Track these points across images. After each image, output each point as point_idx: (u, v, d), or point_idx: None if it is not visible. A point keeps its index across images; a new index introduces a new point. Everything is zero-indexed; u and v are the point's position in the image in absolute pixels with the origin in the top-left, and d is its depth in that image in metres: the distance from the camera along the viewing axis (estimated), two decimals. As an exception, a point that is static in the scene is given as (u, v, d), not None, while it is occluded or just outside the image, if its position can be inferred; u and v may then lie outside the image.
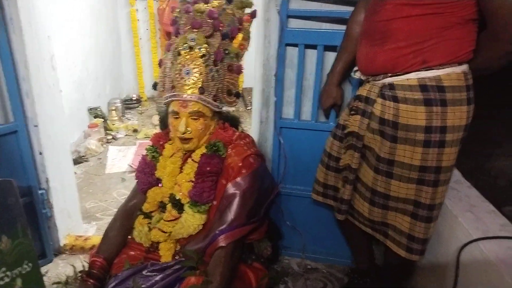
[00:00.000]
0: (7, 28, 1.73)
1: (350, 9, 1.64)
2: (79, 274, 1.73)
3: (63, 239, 2.19)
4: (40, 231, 2.03)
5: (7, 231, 1.63)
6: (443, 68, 1.32)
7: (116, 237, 1.74)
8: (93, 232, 2.39)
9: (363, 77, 1.55)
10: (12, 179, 1.63)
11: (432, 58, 1.32)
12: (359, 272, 1.91)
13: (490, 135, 3.81)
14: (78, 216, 2.37)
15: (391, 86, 1.40)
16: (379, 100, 1.44)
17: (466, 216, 1.51)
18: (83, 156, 3.47)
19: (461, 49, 1.31)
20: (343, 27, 1.65)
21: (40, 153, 1.96)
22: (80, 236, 2.25)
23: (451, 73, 1.32)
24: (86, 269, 1.69)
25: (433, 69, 1.33)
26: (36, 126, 1.92)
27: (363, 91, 1.52)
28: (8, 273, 1.65)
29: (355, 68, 1.58)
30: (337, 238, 2.04)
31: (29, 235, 1.70)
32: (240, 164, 1.61)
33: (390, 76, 1.40)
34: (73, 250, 2.18)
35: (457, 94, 1.33)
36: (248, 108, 4.82)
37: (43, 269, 1.84)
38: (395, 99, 1.39)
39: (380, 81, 1.44)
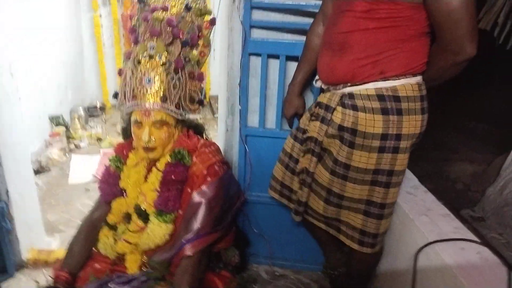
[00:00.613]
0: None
1: (310, 20, 1.68)
2: (43, 289, 1.70)
3: (25, 253, 2.12)
4: (0, 245, 1.96)
5: (-36, 247, 1.58)
6: (399, 79, 1.39)
7: (80, 250, 1.71)
8: (57, 245, 2.32)
9: (323, 86, 1.60)
10: (-32, 193, 1.58)
11: (389, 69, 1.39)
12: (332, 266, 1.96)
13: (446, 141, 4.01)
14: (41, 228, 2.30)
15: (351, 95, 1.46)
16: (339, 108, 1.49)
17: (421, 220, 1.58)
18: (44, 166, 3.36)
19: (415, 61, 1.39)
20: (304, 37, 1.70)
21: (-1, 164, 1.90)
22: (44, 250, 2.18)
23: (406, 84, 1.40)
24: (50, 284, 1.64)
25: (389, 80, 1.40)
26: (-7, 136, 1.86)
27: (323, 98, 1.57)
28: (-35, 291, 1.60)
29: (316, 77, 1.64)
30: (304, 244, 2.08)
31: (-13, 250, 1.65)
32: (205, 172, 1.62)
33: (350, 86, 1.46)
34: (36, 264, 2.11)
35: (412, 104, 1.40)
36: (215, 115, 4.82)
37: (4, 285, 1.77)
38: (354, 107, 1.44)
39: (340, 90, 1.49)
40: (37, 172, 3.17)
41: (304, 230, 2.02)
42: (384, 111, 1.40)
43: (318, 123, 1.56)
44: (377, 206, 1.53)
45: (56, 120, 3.90)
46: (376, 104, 1.41)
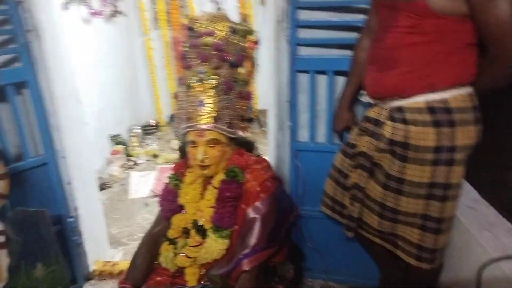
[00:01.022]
0: (35, 67, 1.85)
1: (356, 35, 1.70)
2: (109, 300, 1.81)
3: (92, 265, 2.27)
4: (70, 257, 2.11)
5: (41, 259, 1.73)
6: (449, 91, 1.38)
7: (142, 263, 1.79)
8: (120, 257, 2.46)
9: (371, 101, 1.60)
10: (45, 209, 1.73)
11: (438, 81, 1.38)
12: (388, 282, 1.92)
13: (508, 145, 3.77)
14: (105, 242, 2.45)
15: (400, 109, 1.45)
16: (389, 122, 1.49)
17: (484, 235, 1.51)
18: (106, 182, 3.58)
19: (464, 72, 1.37)
20: (351, 52, 1.71)
21: (69, 183, 2.07)
22: (108, 262, 2.32)
23: (457, 95, 1.38)
24: (116, 294, 1.75)
25: (439, 92, 1.38)
26: (64, 157, 2.02)
27: (372, 113, 1.58)
28: (42, 300, 1.75)
29: (363, 92, 1.64)
30: (359, 258, 2.05)
31: (61, 262, 1.79)
32: (258, 189, 1.65)
33: (398, 99, 1.46)
34: (102, 275, 2.25)
35: (464, 115, 1.38)
36: (262, 128, 4.89)
37: (74, 295, 1.91)
38: (404, 121, 1.44)
39: (388, 105, 1.49)
40: (100, 188, 3.37)
41: (358, 244, 2.00)
42: (436, 124, 1.39)
43: (367, 138, 1.57)
44: (433, 221, 1.49)
45: (115, 139, 4.15)
46: (426, 117, 1.40)
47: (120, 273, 2.20)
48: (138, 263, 1.79)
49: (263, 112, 5.06)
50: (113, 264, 2.30)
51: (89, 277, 2.25)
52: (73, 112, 2.14)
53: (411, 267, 1.60)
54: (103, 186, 3.49)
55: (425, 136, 1.40)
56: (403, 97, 1.44)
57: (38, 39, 1.84)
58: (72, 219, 2.10)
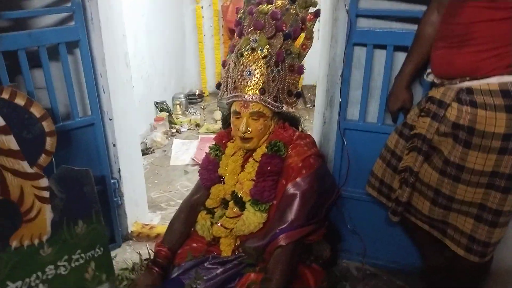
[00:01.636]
0: (88, 27, 1.85)
1: (423, 8, 1.57)
2: (145, 262, 1.84)
3: (131, 226, 2.33)
4: (110, 217, 2.17)
5: (83, 216, 1.77)
6: None
7: (180, 228, 1.82)
8: (158, 221, 2.52)
9: (436, 80, 1.49)
10: (88, 169, 1.76)
11: None
12: (431, 272, 1.84)
13: None
14: (145, 205, 2.51)
15: (469, 91, 1.34)
16: (455, 104, 1.38)
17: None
18: (149, 147, 3.65)
19: None
20: (415, 27, 1.59)
21: (114, 145, 2.10)
22: (146, 225, 2.38)
23: None
24: (152, 257, 1.78)
25: None
26: (111, 119, 2.05)
27: (436, 93, 1.46)
28: (82, 255, 1.80)
29: (428, 71, 1.52)
30: (400, 244, 1.98)
31: (102, 221, 1.83)
32: (300, 165, 1.61)
33: (469, 80, 1.34)
34: (140, 237, 2.31)
35: None
36: (307, 106, 4.79)
37: (112, 254, 1.96)
38: (473, 104, 1.32)
39: (457, 85, 1.38)
40: (142, 153, 3.43)
41: (401, 229, 1.92)
42: (509, 109, 1.27)
43: (428, 120, 1.46)
44: (491, 212, 1.39)
45: (160, 106, 4.21)
46: (499, 101, 1.28)
47: (157, 236, 2.24)
48: (176, 228, 1.82)
49: (308, 87, 4.95)
50: (151, 227, 2.35)
51: (127, 237, 2.31)
52: (122, 75, 2.15)
53: (458, 258, 1.52)
54: (145, 151, 3.56)
55: (494, 122, 1.29)
56: (475, 77, 1.32)
57: (92, -1, 1.83)
58: (114, 180, 2.15)
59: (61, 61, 1.82)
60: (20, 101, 1.52)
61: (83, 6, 1.81)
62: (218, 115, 4.34)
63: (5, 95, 1.48)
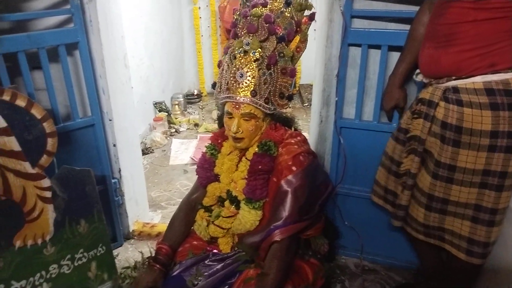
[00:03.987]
0: (87, 29, 1.88)
1: (415, 9, 1.60)
2: (147, 260, 1.87)
3: (132, 225, 2.36)
4: (112, 217, 2.20)
5: (85, 216, 1.80)
6: (511, 72, 1.28)
7: (180, 227, 1.84)
8: (158, 220, 2.54)
9: (425, 80, 1.52)
10: (90, 169, 1.78)
11: (500, 61, 1.29)
12: (427, 274, 1.87)
13: None
14: (145, 204, 2.53)
15: (455, 90, 1.37)
16: (442, 103, 1.41)
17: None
18: (149, 147, 3.68)
19: None
20: (408, 27, 1.62)
21: (114, 145, 2.12)
22: (147, 223, 2.41)
23: None
24: (153, 255, 1.81)
25: (500, 73, 1.29)
26: (110, 120, 2.08)
27: (425, 94, 1.50)
28: (85, 254, 1.83)
29: (417, 71, 1.56)
30: (397, 240, 2.01)
31: (103, 220, 1.86)
32: (291, 162, 1.63)
33: (454, 79, 1.38)
34: (141, 236, 2.34)
35: None
36: (304, 104, 4.82)
37: (114, 253, 1.99)
38: (459, 102, 1.36)
39: (443, 84, 1.41)
40: (142, 153, 3.45)
41: (398, 227, 1.95)
42: (494, 106, 1.30)
43: (421, 121, 1.49)
44: (487, 212, 1.41)
45: (159, 106, 4.24)
46: (484, 99, 1.31)
47: (158, 234, 2.27)
48: (176, 226, 1.85)
49: (305, 87, 4.98)
50: (152, 226, 2.38)
51: (128, 236, 2.34)
52: (121, 76, 2.18)
53: (455, 260, 1.53)
54: (145, 151, 3.59)
55: (481, 119, 1.32)
56: (460, 76, 1.36)
57: (91, 1, 1.85)
58: (115, 180, 2.17)
59: (61, 62, 1.84)
60: (21, 102, 1.54)
61: (82, 8, 1.84)
62: (216, 114, 4.36)
63: (6, 97, 1.50)
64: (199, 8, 5.03)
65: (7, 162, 1.55)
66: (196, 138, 3.92)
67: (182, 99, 4.60)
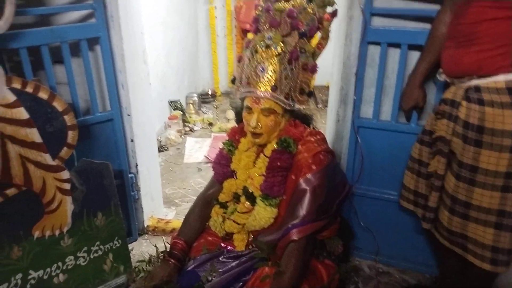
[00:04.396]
0: (108, 24, 1.90)
1: (436, 7, 1.59)
2: (161, 254, 1.88)
3: (147, 221, 2.37)
4: (127, 211, 2.21)
5: (102, 209, 1.82)
6: None
7: (195, 222, 1.85)
8: (172, 216, 2.56)
9: (448, 79, 1.51)
10: (108, 162, 1.81)
11: None
12: (444, 284, 1.83)
13: None
14: (160, 200, 2.55)
15: (477, 89, 1.36)
16: (464, 103, 1.40)
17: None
18: (163, 145, 3.71)
19: None
20: (429, 26, 1.61)
21: (132, 140, 2.14)
22: (162, 219, 2.42)
23: None
24: (168, 249, 1.82)
25: None
26: (129, 115, 2.10)
27: (448, 94, 1.49)
28: (101, 246, 1.85)
29: (440, 70, 1.54)
30: (413, 243, 1.99)
31: (120, 214, 1.88)
32: (310, 161, 1.63)
33: (476, 78, 1.36)
34: (155, 231, 2.35)
35: None
36: (318, 106, 4.80)
37: (128, 247, 2.01)
38: (480, 102, 1.34)
39: (465, 84, 1.40)
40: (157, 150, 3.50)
41: (414, 228, 1.94)
42: None
43: (445, 121, 1.48)
44: (511, 217, 1.37)
45: (174, 105, 4.27)
46: (506, 98, 1.30)
47: (172, 230, 2.28)
48: (191, 222, 1.86)
49: (320, 88, 4.97)
50: (166, 222, 2.39)
51: (143, 231, 2.36)
52: (140, 71, 2.20)
53: (476, 268, 1.49)
54: (160, 149, 3.62)
55: (502, 119, 1.30)
56: (482, 75, 1.34)
57: (112, -3, 1.88)
58: (132, 175, 2.19)
59: (82, 57, 1.87)
60: (43, 95, 1.56)
61: (104, 3, 1.86)
62: (230, 114, 4.38)
63: (29, 89, 1.53)
64: (215, 7, 5.06)
65: (29, 153, 1.58)
66: (210, 137, 3.94)
67: (196, 98, 4.62)
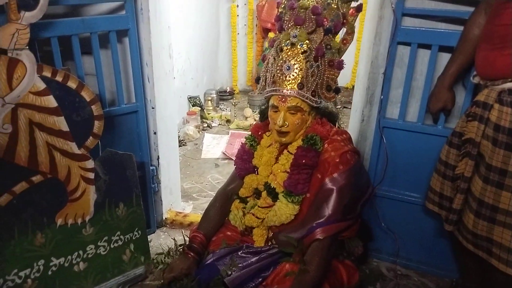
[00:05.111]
0: (137, 17, 1.92)
1: (469, 9, 1.57)
2: (180, 247, 1.89)
3: (165, 213, 2.39)
4: (147, 203, 2.22)
5: (124, 199, 1.83)
6: None
7: (215, 216, 1.86)
8: (190, 210, 2.57)
9: (481, 82, 1.48)
10: (132, 153, 1.82)
11: None
12: (471, 281, 1.79)
13: None
14: (178, 194, 2.56)
15: (510, 92, 1.34)
16: (496, 105, 1.38)
17: None
18: (182, 140, 3.72)
19: None
20: (460, 27, 1.59)
21: (155, 133, 2.16)
22: (180, 212, 2.43)
23: None
24: (187, 242, 1.83)
25: None
26: (153, 108, 2.11)
27: (481, 96, 1.46)
28: (121, 237, 1.86)
29: (474, 73, 1.52)
30: (433, 246, 1.97)
31: (141, 205, 1.89)
32: (338, 160, 1.62)
33: (510, 81, 1.34)
34: (173, 224, 2.36)
35: None
36: (337, 107, 4.77)
37: (147, 238, 2.02)
38: None
39: (499, 86, 1.38)
40: (177, 144, 3.52)
41: (435, 232, 1.92)
42: None
43: (476, 123, 1.46)
44: None
45: (193, 101, 4.29)
46: None
47: (190, 224, 2.29)
48: (211, 215, 1.86)
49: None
50: (184, 216, 2.40)
51: (161, 224, 2.37)
52: (165, 65, 2.21)
53: (498, 273, 1.46)
54: (179, 143, 3.63)
55: None
56: None
57: (143, -10, 1.89)
58: (153, 167, 2.21)
59: (111, 48, 1.89)
60: (72, 84, 1.58)
61: (135, -3, 1.87)
62: (248, 112, 4.39)
63: (59, 78, 1.55)
64: (237, 6, 5.07)
65: (55, 141, 1.60)
66: (228, 134, 3.95)
67: (215, 95, 4.64)
